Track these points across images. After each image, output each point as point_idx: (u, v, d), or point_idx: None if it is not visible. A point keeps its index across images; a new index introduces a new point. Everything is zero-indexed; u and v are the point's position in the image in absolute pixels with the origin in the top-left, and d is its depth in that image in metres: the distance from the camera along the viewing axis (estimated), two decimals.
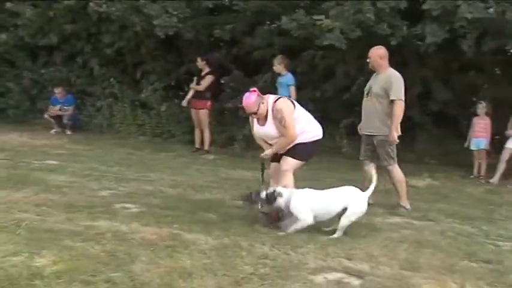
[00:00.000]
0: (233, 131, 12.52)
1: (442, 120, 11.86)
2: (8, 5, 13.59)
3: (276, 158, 6.56)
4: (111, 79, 14.19)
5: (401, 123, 7.26)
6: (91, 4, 12.33)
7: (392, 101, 7.15)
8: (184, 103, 12.16)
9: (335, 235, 5.73)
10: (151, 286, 4.20)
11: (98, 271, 4.43)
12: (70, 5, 13.15)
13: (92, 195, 7.39)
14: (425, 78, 11.42)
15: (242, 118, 12.39)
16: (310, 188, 6.22)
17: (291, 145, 6.35)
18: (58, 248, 4.96)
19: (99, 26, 13.88)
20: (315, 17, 9.84)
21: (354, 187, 6.06)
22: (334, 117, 12.20)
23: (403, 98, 7.20)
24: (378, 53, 7.47)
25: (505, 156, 9.94)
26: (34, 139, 12.46)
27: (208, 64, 11.95)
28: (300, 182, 8.79)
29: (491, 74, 12.19)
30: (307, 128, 6.45)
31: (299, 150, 6.41)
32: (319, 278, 4.58)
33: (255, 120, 6.51)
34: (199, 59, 11.99)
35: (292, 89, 10.51)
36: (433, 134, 11.86)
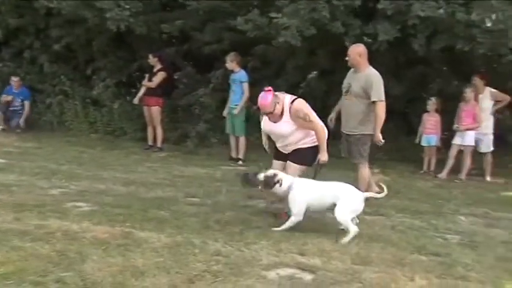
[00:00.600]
0: (186, 128, 12.46)
1: (393, 116, 12.02)
2: None
3: (280, 156, 6.58)
4: (62, 76, 13.92)
5: None
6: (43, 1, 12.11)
7: (373, 102, 7.25)
8: (136, 100, 12.04)
9: (349, 235, 5.61)
10: (103, 285, 4.16)
11: (47, 271, 4.36)
12: None
13: (42, 194, 7.27)
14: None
15: (195, 115, 12.40)
16: None
17: (296, 148, 6.38)
18: (6, 249, 4.87)
19: (47, 21, 13.60)
20: (272, 14, 9.87)
21: (349, 184, 6.04)
22: None
23: (384, 99, 7.29)
24: (357, 51, 7.54)
25: (453, 152, 10.16)
26: None
27: (160, 61, 11.86)
28: None
29: (440, 70, 12.42)
30: (311, 132, 6.44)
31: (304, 156, 6.43)
32: (272, 274, 4.61)
33: (266, 116, 6.48)
34: (150, 56, 11.88)
35: (245, 86, 10.52)
36: (384, 129, 12.01)
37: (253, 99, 11.05)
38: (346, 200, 5.73)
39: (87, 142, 12.41)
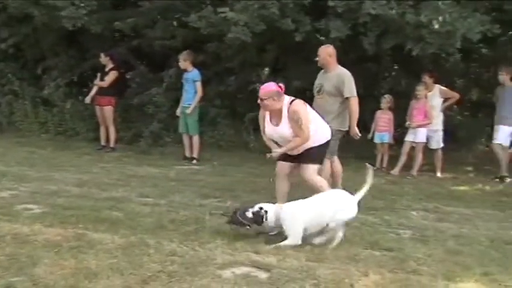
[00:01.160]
0: (139, 128, 12.38)
1: None
2: None
3: (284, 157, 6.40)
4: (9, 75, 13.64)
5: None
6: None
7: (347, 99, 7.45)
8: (88, 100, 11.88)
9: (336, 240, 5.43)
10: None
11: None
12: None
13: None
14: None
15: (148, 114, 12.31)
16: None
17: (306, 148, 6.23)
18: None
19: None
20: (220, 9, 9.88)
21: (342, 191, 5.92)
22: (240, 112, 12.33)
23: (356, 95, 7.51)
24: (327, 52, 7.69)
25: (405, 149, 10.33)
26: None
27: (112, 60, 11.73)
28: (209, 176, 8.87)
29: (391, 69, 12.64)
30: (319, 129, 6.37)
31: (315, 155, 6.38)
32: (227, 273, 4.59)
33: (268, 119, 6.32)
34: (102, 55, 11.74)
35: (199, 85, 10.48)
36: None
37: (205, 97, 11.10)
38: (344, 212, 5.50)
39: (38, 143, 12.18)
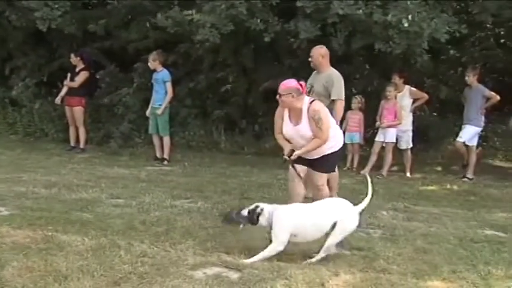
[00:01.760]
0: (109, 129, 12.29)
1: None
2: None
3: (301, 160, 6.09)
4: None
5: None
6: None
7: (333, 101, 7.40)
8: (57, 100, 11.74)
9: (317, 256, 5.09)
10: None
11: None
12: None
13: None
14: (297, 70, 11.81)
15: (118, 115, 12.24)
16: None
17: (322, 155, 5.97)
18: None
19: None
20: (185, 12, 9.89)
21: (343, 200, 5.53)
22: (211, 112, 12.36)
23: (343, 98, 7.52)
24: (320, 52, 7.67)
25: (375, 149, 10.40)
26: None
27: (82, 60, 11.61)
28: (180, 177, 8.85)
29: (362, 69, 12.74)
30: (336, 135, 6.15)
31: (330, 163, 6.21)
32: (198, 274, 4.60)
33: (286, 118, 6.04)
34: (72, 55, 11.62)
35: (169, 85, 10.42)
36: None
37: (175, 98, 11.07)
38: (344, 222, 5.14)
39: (6, 144, 12.03)
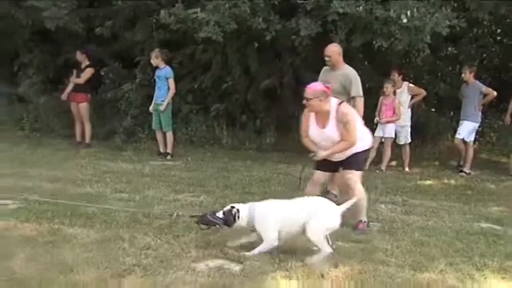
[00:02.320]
0: (113, 124, 12.31)
1: None
2: None
3: (326, 166, 6.01)
4: None
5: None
6: None
7: (352, 98, 7.30)
8: (63, 96, 11.76)
9: (319, 255, 4.89)
10: (31, 283, 4.04)
11: None
12: None
13: None
14: (297, 68, 11.85)
15: (122, 111, 12.26)
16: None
17: (351, 153, 5.86)
18: None
19: None
20: (190, 10, 9.90)
21: (323, 198, 5.38)
22: (212, 108, 12.39)
23: (362, 94, 7.42)
24: (337, 51, 7.56)
25: (374, 144, 10.38)
26: None
27: (88, 57, 11.63)
28: (182, 171, 8.87)
29: (361, 66, 12.74)
30: (364, 135, 6.09)
31: (360, 161, 6.11)
32: (201, 266, 4.62)
33: (313, 121, 5.92)
34: (78, 53, 11.63)
35: (171, 82, 10.44)
36: None
37: (178, 94, 11.10)
38: (320, 217, 4.96)
39: (13, 139, 12.00)
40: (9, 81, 13.95)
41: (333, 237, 5.16)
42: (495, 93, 10.39)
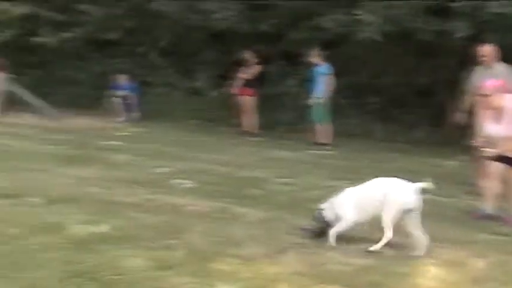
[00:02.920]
0: (277, 116, 12.56)
1: None
2: (82, 6, 13.85)
3: (501, 158, 5.63)
4: (168, 69, 14.32)
5: None
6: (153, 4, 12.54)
7: None
8: (232, 90, 12.24)
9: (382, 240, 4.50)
10: (205, 252, 4.23)
11: (157, 238, 4.50)
12: (131, 3, 13.24)
13: (151, 172, 7.52)
14: (451, 66, 11.38)
15: (285, 104, 12.47)
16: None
17: None
18: (122, 219, 5.07)
19: (156, 22, 13.95)
20: (354, 11, 9.85)
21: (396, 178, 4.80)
22: (367, 102, 12.23)
23: None
24: (492, 50, 7.21)
25: None
26: (101, 123, 12.63)
27: (255, 55, 12.01)
28: (338, 160, 8.83)
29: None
30: None
31: None
32: (353, 247, 4.55)
33: (489, 118, 5.71)
34: (246, 51, 12.06)
35: (328, 78, 10.57)
36: None
37: (334, 90, 11.12)
38: (392, 196, 4.55)
39: (189, 127, 12.68)
40: (186, 76, 14.65)
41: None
42: None
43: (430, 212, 5.33)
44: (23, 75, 14.86)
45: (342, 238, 4.69)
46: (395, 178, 4.75)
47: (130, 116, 13.55)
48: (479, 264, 4.31)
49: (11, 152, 8.64)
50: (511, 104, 5.49)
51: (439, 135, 10.94)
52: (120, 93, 13.67)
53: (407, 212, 4.55)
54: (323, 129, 10.79)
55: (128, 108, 13.70)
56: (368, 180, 4.86)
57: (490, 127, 5.64)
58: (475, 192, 6.43)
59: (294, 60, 12.88)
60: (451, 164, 9.14)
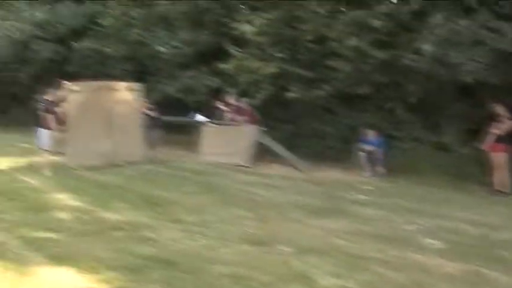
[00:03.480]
0: None
1: None
2: (331, 63, 14.62)
3: None
4: (415, 124, 14.31)
5: None
6: (405, 61, 12.88)
7: None
8: (483, 146, 11.76)
9: None
10: None
11: None
12: (384, 58, 13.59)
13: (398, 229, 7.60)
14: None
15: None
16: None
17: None
18: (370, 274, 5.24)
19: (405, 77, 14.10)
20: None
21: None
22: None
23: None
24: None
25: None
26: (348, 176, 13.11)
27: (507, 109, 11.44)
28: None
29: None
30: None
31: None
32: None
33: None
34: (498, 105, 11.55)
35: None
36: None
37: None
38: None
39: (436, 183, 12.43)
40: (433, 131, 14.44)
41: None
42: None
43: None
44: (275, 128, 16.16)
45: None
46: None
47: (377, 171, 13.75)
48: None
49: (263, 201, 9.44)
50: None
51: None
52: (367, 147, 13.97)
53: None
54: None
55: (374, 162, 13.93)
56: None
57: None
58: None
59: None
60: None
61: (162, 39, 18.98)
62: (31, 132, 13.35)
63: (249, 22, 15.82)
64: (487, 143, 11.67)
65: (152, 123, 14.75)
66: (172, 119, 17.01)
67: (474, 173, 12.78)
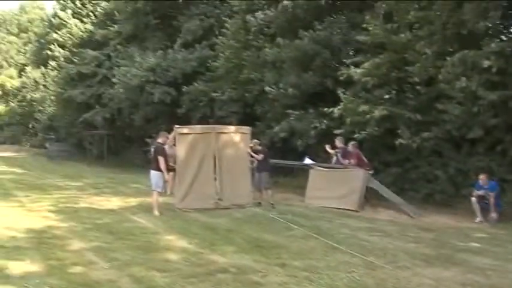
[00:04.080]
0: None
1: None
2: (441, 106, 14.44)
3: None
4: None
5: None
6: None
7: None
8: None
9: None
10: None
11: None
12: (493, 100, 13.23)
13: None
14: None
15: None
16: None
17: None
18: None
19: None
20: None
21: None
22: None
23: None
24: None
25: None
26: (458, 222, 12.78)
27: None
28: None
29: None
30: None
31: None
32: None
33: None
34: None
35: None
36: None
37: None
38: None
39: None
40: None
41: None
42: None
43: None
44: (382, 172, 16.02)
45: None
46: None
47: (489, 216, 13.24)
48: None
49: (371, 247, 9.40)
50: None
51: None
52: (479, 192, 13.52)
53: None
54: None
55: (486, 207, 13.43)
56: None
57: None
58: None
59: None
60: None
61: (270, 80, 19.56)
62: (143, 173, 14.13)
63: (356, 65, 15.98)
64: None
65: (260, 167, 15.10)
66: (281, 162, 17.35)
67: None
